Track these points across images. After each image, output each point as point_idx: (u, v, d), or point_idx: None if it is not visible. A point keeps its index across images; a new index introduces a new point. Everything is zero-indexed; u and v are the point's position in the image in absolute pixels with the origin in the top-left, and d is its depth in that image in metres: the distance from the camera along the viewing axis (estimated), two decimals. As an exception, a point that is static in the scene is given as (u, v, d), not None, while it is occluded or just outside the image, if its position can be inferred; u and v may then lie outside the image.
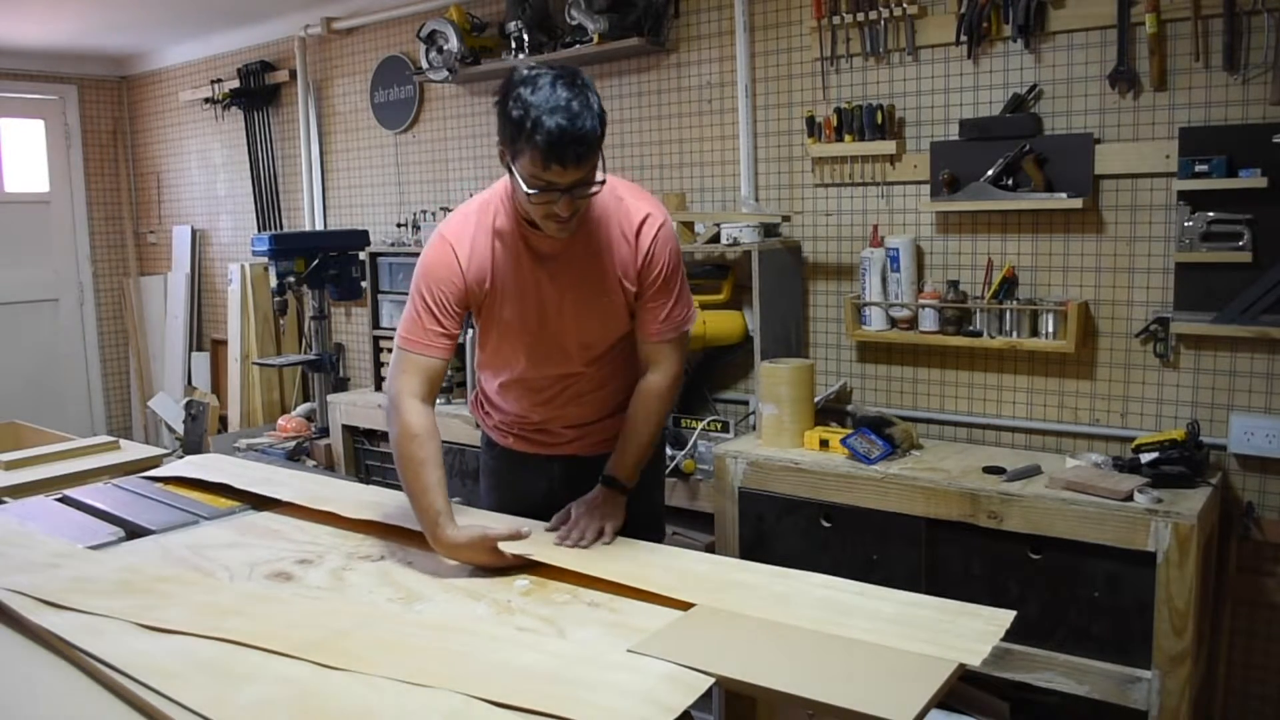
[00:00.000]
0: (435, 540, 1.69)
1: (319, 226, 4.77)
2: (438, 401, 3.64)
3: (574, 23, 3.45)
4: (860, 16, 2.92)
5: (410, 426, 1.74)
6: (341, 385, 4.51)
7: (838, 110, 3.00)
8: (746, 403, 3.29)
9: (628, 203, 1.83)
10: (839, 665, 1.27)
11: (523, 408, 1.99)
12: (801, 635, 1.37)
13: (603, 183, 1.69)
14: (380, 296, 4.04)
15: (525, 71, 1.63)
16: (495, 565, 1.67)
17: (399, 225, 4.27)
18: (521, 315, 1.84)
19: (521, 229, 1.79)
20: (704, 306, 3.10)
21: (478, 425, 2.14)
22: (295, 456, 4.07)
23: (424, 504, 1.71)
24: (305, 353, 4.66)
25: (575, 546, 1.73)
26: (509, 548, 1.67)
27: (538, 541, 1.75)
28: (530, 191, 1.63)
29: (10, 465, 2.43)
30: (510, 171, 1.67)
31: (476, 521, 1.86)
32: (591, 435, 1.99)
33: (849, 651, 1.31)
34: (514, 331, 1.86)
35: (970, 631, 1.36)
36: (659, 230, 1.83)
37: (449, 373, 3.74)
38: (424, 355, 1.79)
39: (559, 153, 1.57)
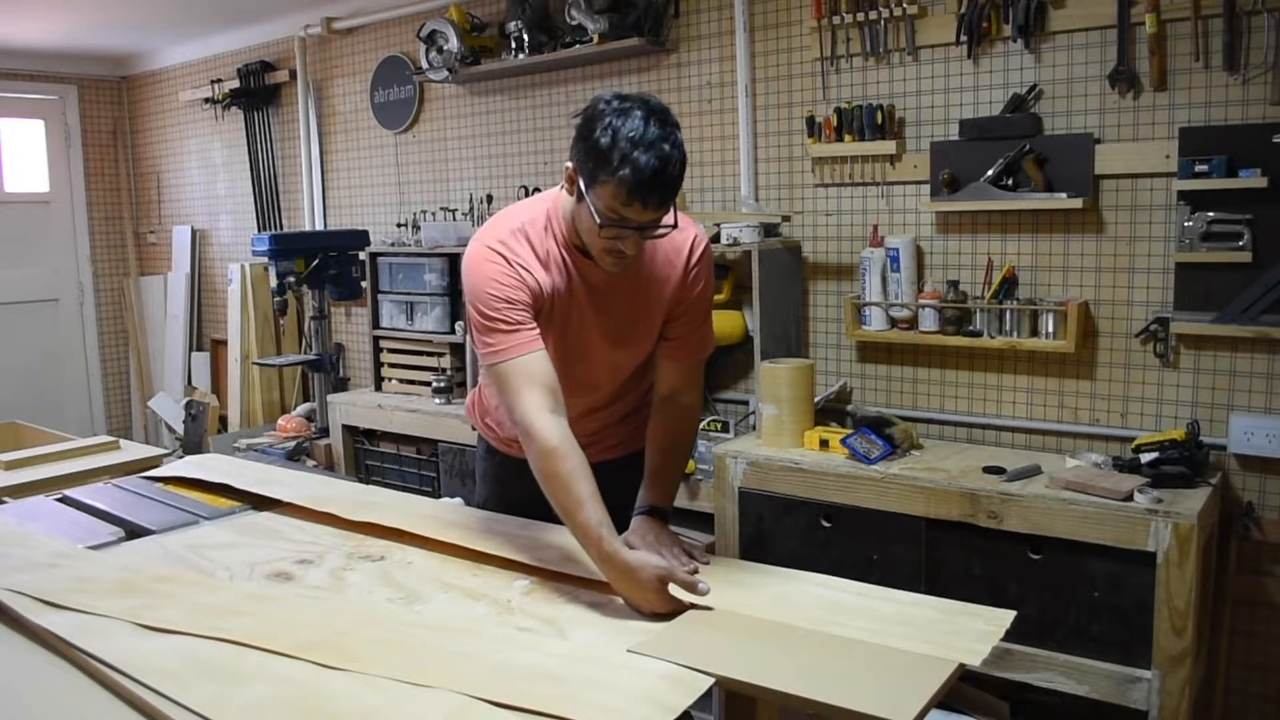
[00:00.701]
0: (602, 559, 1.51)
1: (319, 226, 4.77)
2: (436, 402, 3.68)
3: (574, 23, 3.45)
4: (860, 16, 2.92)
5: (546, 442, 1.57)
6: (341, 385, 4.52)
7: (838, 110, 3.00)
8: (746, 403, 3.29)
9: (675, 231, 1.72)
10: (839, 665, 1.27)
11: None
12: (801, 635, 1.37)
13: (674, 226, 1.62)
14: (380, 296, 4.04)
15: (615, 101, 1.54)
16: (664, 610, 1.46)
17: (399, 225, 4.27)
18: (562, 345, 1.74)
19: (573, 255, 1.70)
20: (704, 306, 3.10)
21: (473, 428, 2.11)
22: (295, 456, 4.07)
23: (580, 520, 1.53)
24: (305, 353, 4.66)
25: (694, 569, 1.57)
26: (681, 595, 1.47)
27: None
28: (602, 224, 1.55)
29: (10, 465, 2.43)
30: (580, 198, 1.58)
31: (466, 521, 1.86)
32: (596, 445, 1.93)
33: (849, 651, 1.31)
34: (556, 351, 1.72)
35: (970, 631, 1.36)
36: (704, 251, 1.79)
37: (449, 371, 3.77)
38: (528, 355, 1.62)
39: (644, 193, 1.50)
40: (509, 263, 1.66)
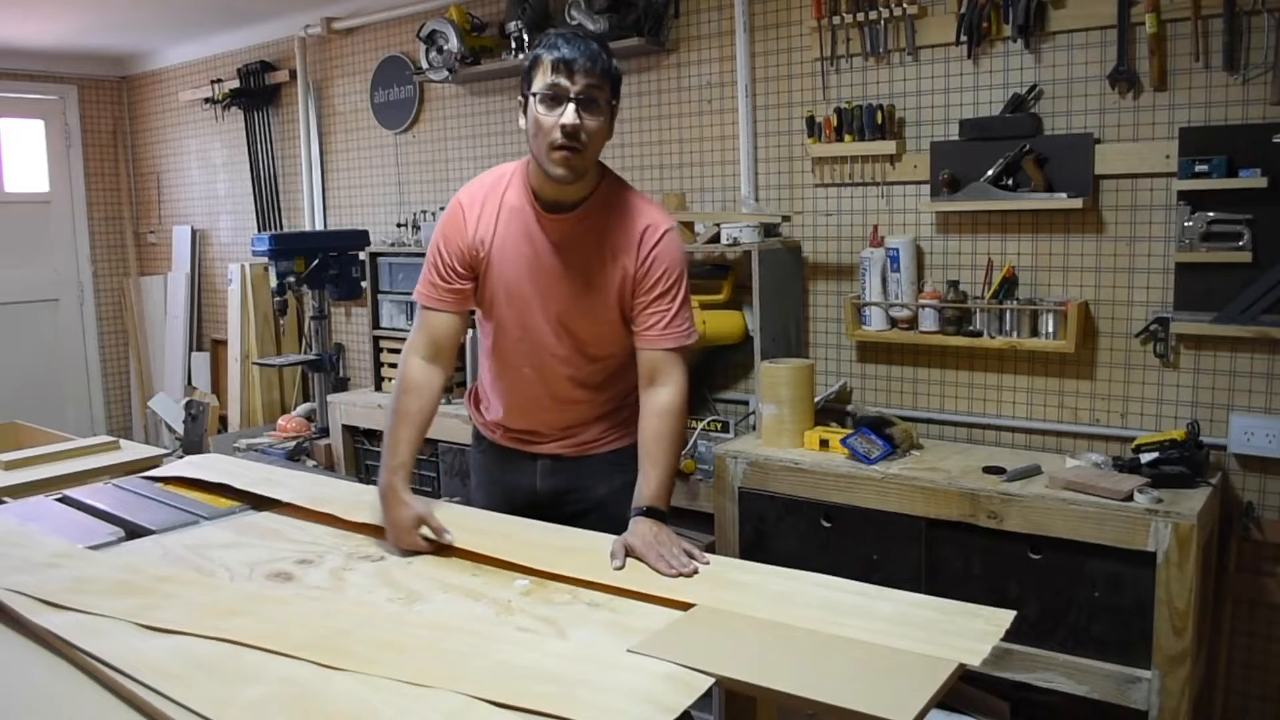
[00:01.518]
0: (382, 491, 1.79)
1: (319, 226, 4.77)
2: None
3: (574, 23, 3.45)
4: (860, 16, 2.92)
5: (404, 381, 1.88)
6: (341, 385, 4.52)
7: (838, 110, 3.00)
8: (746, 403, 3.29)
9: (639, 208, 1.87)
10: (839, 665, 1.27)
11: (511, 401, 2.00)
12: (801, 635, 1.37)
13: (613, 110, 1.79)
14: (380, 296, 4.05)
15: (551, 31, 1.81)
16: (404, 545, 1.73)
17: (399, 225, 4.27)
18: (513, 283, 1.88)
19: (532, 205, 1.85)
20: (704, 306, 3.10)
21: (469, 420, 2.16)
22: (295, 456, 4.07)
23: (388, 455, 1.82)
24: (305, 353, 4.66)
25: (683, 573, 1.59)
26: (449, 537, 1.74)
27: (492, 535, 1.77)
28: (540, 98, 1.73)
29: (10, 465, 2.43)
30: (525, 110, 1.77)
31: (464, 521, 1.86)
32: (576, 437, 2.00)
33: (849, 651, 1.31)
34: (500, 300, 1.90)
35: (970, 631, 1.36)
36: (662, 236, 1.85)
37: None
38: (430, 309, 1.90)
39: (568, 59, 1.70)
40: (462, 218, 1.88)
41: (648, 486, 1.79)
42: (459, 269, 1.89)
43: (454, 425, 3.42)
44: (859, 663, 1.28)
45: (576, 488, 2.01)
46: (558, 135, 1.72)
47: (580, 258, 1.85)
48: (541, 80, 1.73)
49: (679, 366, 1.87)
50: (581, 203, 1.84)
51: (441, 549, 1.75)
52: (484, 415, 2.10)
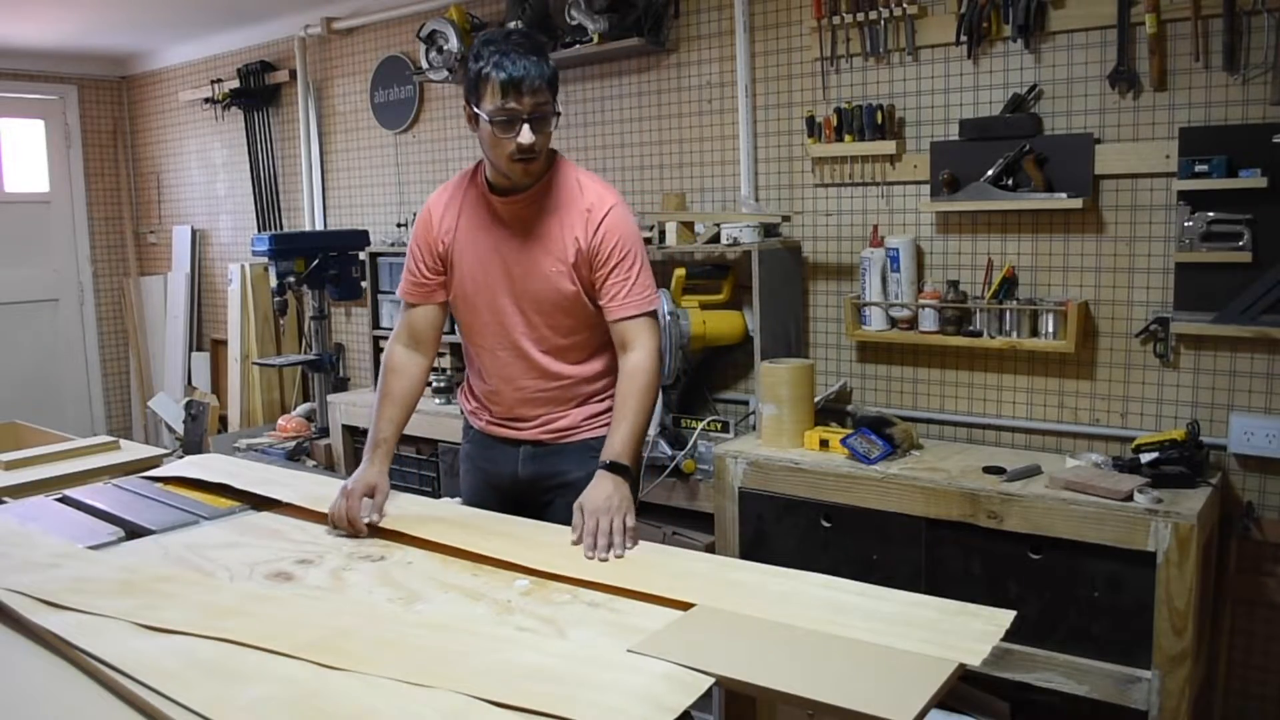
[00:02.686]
0: (363, 461, 1.96)
1: (319, 226, 4.77)
2: (436, 402, 3.68)
3: (574, 23, 3.45)
4: (860, 16, 2.92)
5: (387, 364, 2.06)
6: (341, 385, 4.52)
7: (838, 110, 3.00)
8: (746, 403, 3.29)
9: (586, 187, 1.97)
10: (839, 665, 1.27)
11: (490, 385, 2.08)
12: (801, 635, 1.37)
13: (558, 114, 1.88)
14: (380, 296, 4.05)
15: (478, 44, 1.85)
16: (338, 509, 1.86)
17: (399, 225, 4.27)
18: (476, 267, 2.00)
19: (487, 195, 1.98)
20: (704, 306, 3.10)
21: (461, 413, 2.24)
22: (295, 456, 4.07)
23: (371, 432, 2.00)
24: (305, 353, 4.66)
25: (604, 557, 1.67)
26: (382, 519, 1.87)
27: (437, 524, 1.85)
28: (493, 123, 1.82)
29: (10, 465, 2.43)
30: (476, 125, 1.87)
31: (465, 521, 1.87)
32: (554, 423, 2.06)
33: (849, 651, 1.31)
34: (468, 285, 2.01)
35: (970, 631, 1.36)
36: (608, 211, 1.94)
37: (448, 371, 3.77)
38: (406, 300, 2.07)
39: (516, 78, 1.78)
40: (429, 218, 2.04)
41: (612, 441, 1.89)
42: (429, 263, 2.04)
43: (454, 425, 3.41)
44: (859, 663, 1.28)
45: (555, 472, 2.06)
46: (515, 151, 1.84)
47: (533, 237, 1.95)
48: (492, 102, 1.81)
49: (646, 330, 1.96)
50: (531, 185, 1.94)
51: (443, 549, 1.75)
52: (469, 403, 2.19)
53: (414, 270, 2.06)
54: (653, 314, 1.98)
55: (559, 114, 1.90)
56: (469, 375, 2.18)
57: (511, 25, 3.59)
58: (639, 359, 1.93)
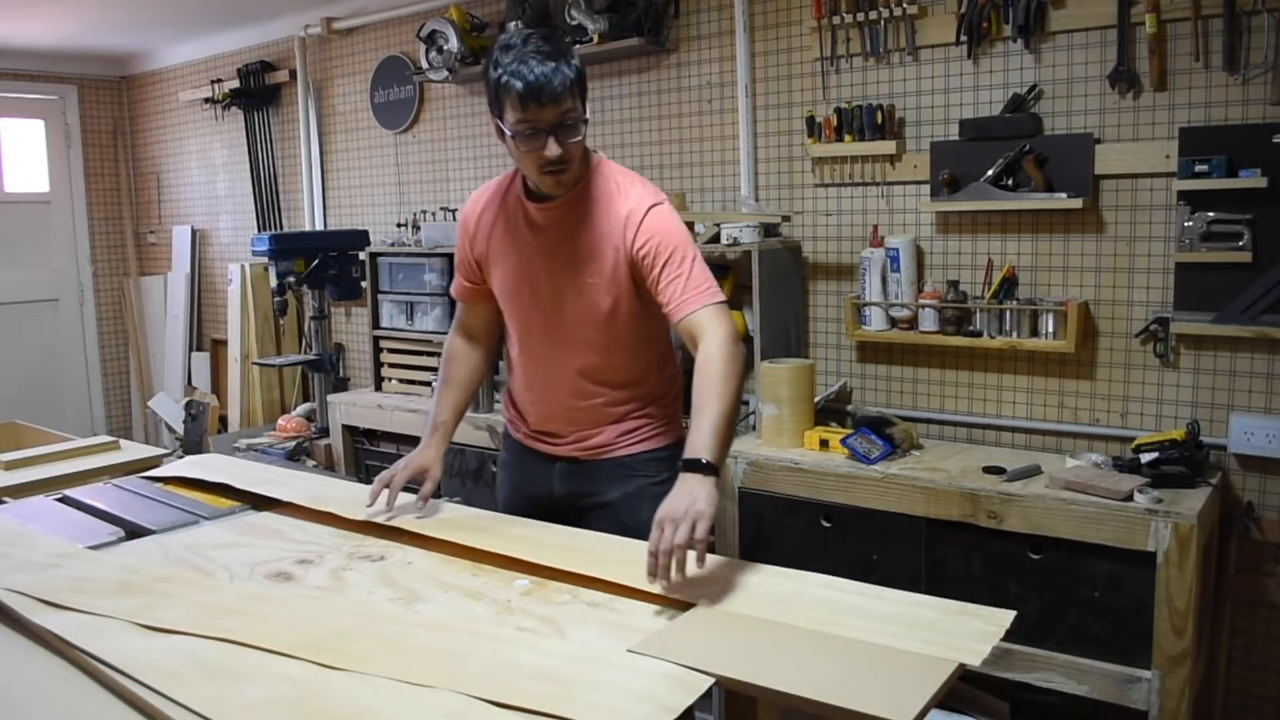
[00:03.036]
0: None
1: (319, 226, 4.77)
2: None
3: (574, 23, 3.45)
4: (860, 16, 2.92)
5: (448, 352, 2.11)
6: (341, 385, 4.51)
7: (838, 110, 3.00)
8: (747, 403, 3.29)
9: (624, 189, 1.86)
10: (839, 665, 1.27)
11: (529, 395, 2.04)
12: (801, 635, 1.37)
13: (586, 121, 1.77)
14: (380, 296, 4.04)
15: (496, 50, 1.75)
16: (375, 491, 1.92)
17: (399, 225, 4.27)
18: (510, 277, 1.95)
19: (523, 202, 1.90)
20: (704, 306, 3.10)
21: (504, 427, 2.19)
22: (295, 456, 4.07)
23: (430, 417, 2.07)
24: (305, 353, 4.66)
25: (665, 583, 1.49)
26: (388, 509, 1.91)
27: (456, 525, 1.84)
28: (518, 138, 1.73)
29: (10, 465, 2.43)
30: (503, 137, 1.77)
31: (466, 520, 1.86)
32: (590, 440, 1.99)
33: (849, 651, 1.31)
34: (506, 295, 1.98)
35: (970, 631, 1.36)
36: (645, 214, 1.82)
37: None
38: (466, 304, 2.10)
39: (537, 87, 1.68)
40: (464, 227, 2.01)
41: (691, 439, 1.66)
42: (467, 270, 2.04)
43: (461, 428, 3.41)
44: (859, 662, 1.28)
45: (590, 491, 2.00)
46: (544, 163, 1.75)
47: (570, 246, 1.87)
48: (514, 115, 1.71)
49: (714, 319, 1.77)
50: (571, 188, 1.86)
51: (443, 546, 1.75)
52: (509, 411, 2.15)
53: (465, 272, 2.05)
54: (719, 304, 1.80)
55: (588, 120, 1.79)
56: (509, 381, 2.14)
57: (512, 25, 3.59)
58: (708, 349, 1.73)
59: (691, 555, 1.50)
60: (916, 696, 1.18)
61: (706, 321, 1.76)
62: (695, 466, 1.60)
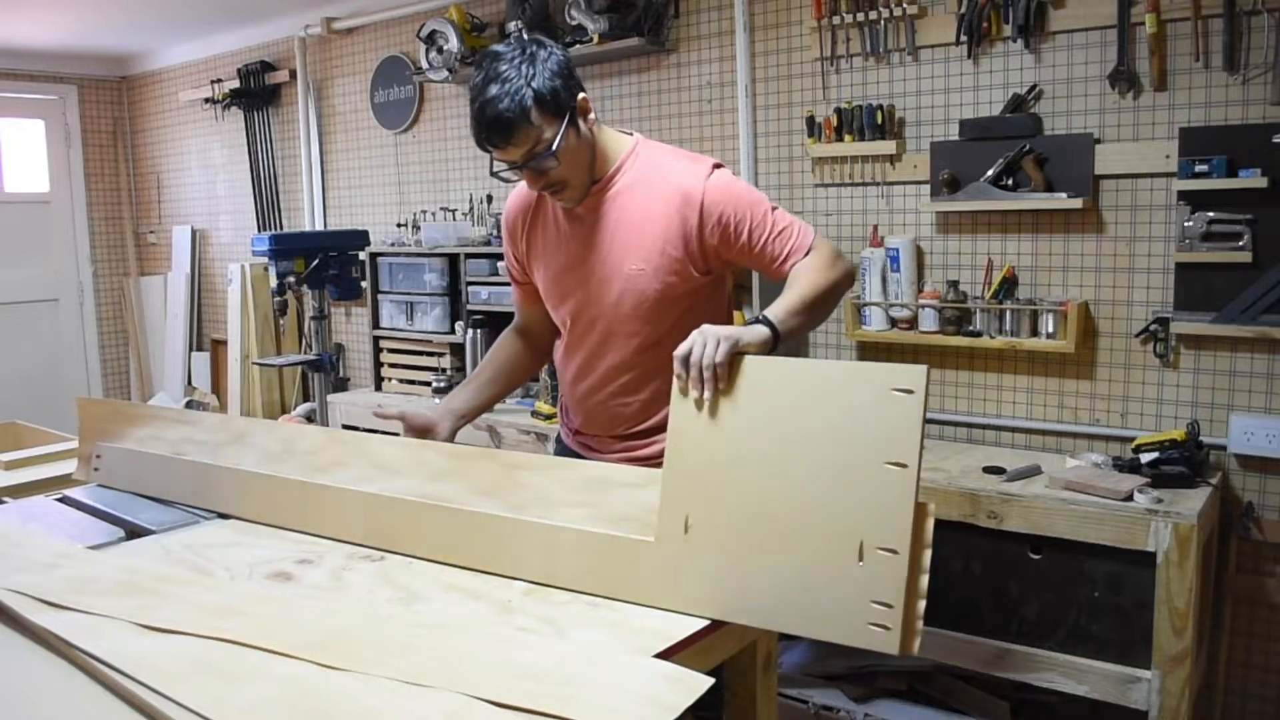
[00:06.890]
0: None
1: (319, 226, 4.77)
2: (436, 402, 3.65)
3: (574, 23, 3.45)
4: (860, 16, 2.92)
5: (499, 339, 2.12)
6: (341, 385, 4.52)
7: (838, 110, 3.00)
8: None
9: (673, 168, 1.79)
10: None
11: (573, 394, 2.00)
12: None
13: (552, 154, 1.68)
14: (380, 297, 4.04)
15: (481, 53, 1.82)
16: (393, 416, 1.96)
17: (399, 225, 4.27)
18: (554, 270, 1.92)
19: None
20: (704, 306, 3.10)
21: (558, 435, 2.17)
22: (295, 456, 4.06)
23: (463, 382, 2.08)
24: (305, 353, 4.66)
25: (699, 389, 1.43)
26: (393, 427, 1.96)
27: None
28: (492, 174, 1.79)
29: (10, 465, 2.43)
30: None
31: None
32: (636, 449, 1.94)
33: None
34: (549, 289, 1.95)
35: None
36: (707, 183, 1.74)
37: (449, 371, 3.77)
38: (518, 300, 2.09)
39: (484, 136, 1.70)
40: (507, 228, 2.00)
41: (776, 303, 1.64)
42: (515, 270, 2.04)
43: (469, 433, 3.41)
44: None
45: None
46: (550, 195, 1.78)
47: (611, 232, 1.81)
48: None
49: (816, 255, 1.73)
50: (607, 179, 1.81)
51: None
52: (561, 416, 2.14)
53: (514, 270, 2.05)
54: (812, 246, 1.75)
55: (571, 109, 1.69)
56: (560, 384, 2.11)
57: (512, 25, 3.59)
58: (817, 259, 1.71)
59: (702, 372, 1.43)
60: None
61: (811, 253, 1.74)
62: (763, 322, 1.56)
